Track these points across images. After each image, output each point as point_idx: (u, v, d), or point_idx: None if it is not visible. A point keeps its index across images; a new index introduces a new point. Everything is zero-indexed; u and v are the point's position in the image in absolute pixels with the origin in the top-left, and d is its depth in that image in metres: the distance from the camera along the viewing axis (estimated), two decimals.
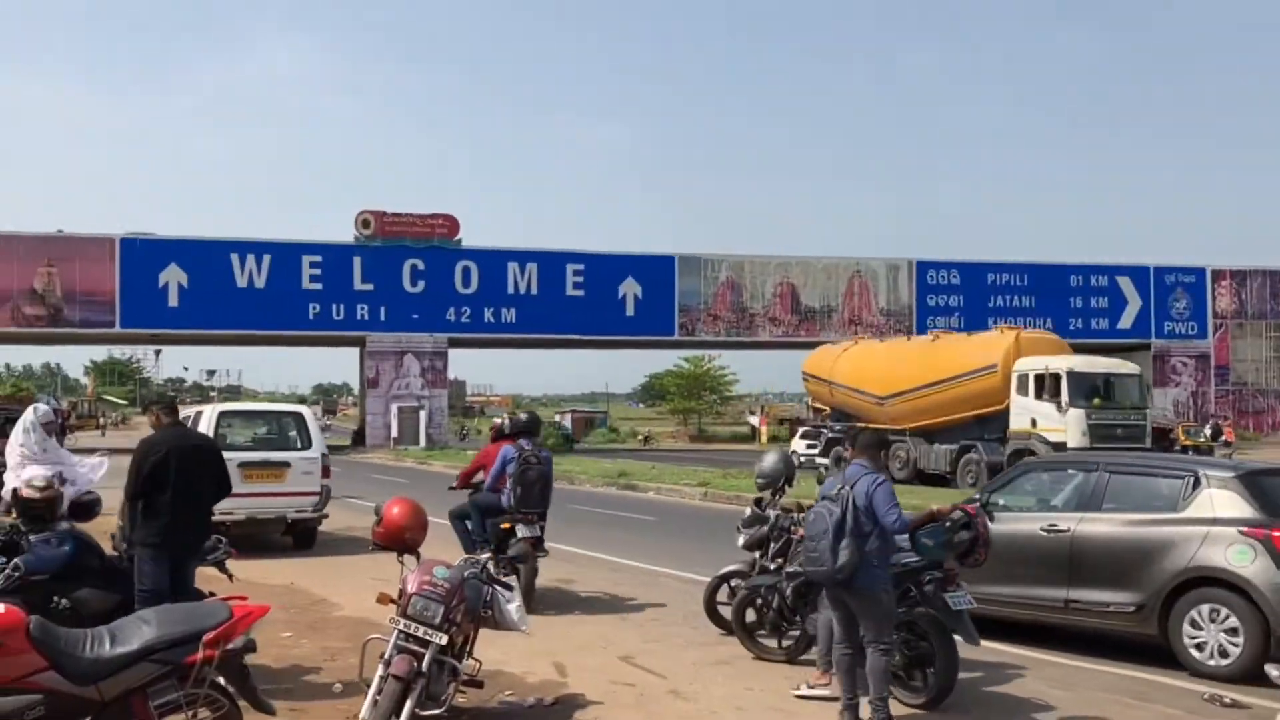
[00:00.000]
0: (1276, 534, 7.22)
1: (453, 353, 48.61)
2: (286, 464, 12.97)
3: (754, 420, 71.96)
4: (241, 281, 44.77)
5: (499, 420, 11.06)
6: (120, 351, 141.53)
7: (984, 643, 7.80)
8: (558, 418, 68.00)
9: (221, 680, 4.56)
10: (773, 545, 7.63)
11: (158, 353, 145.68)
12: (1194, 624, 7.45)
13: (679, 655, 7.96)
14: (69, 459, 7.84)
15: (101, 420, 79.17)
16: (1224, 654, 7.29)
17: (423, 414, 45.50)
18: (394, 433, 45.18)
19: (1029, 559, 8.13)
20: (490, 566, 5.80)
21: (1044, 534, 8.14)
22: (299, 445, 13.25)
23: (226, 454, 12.56)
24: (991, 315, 47.05)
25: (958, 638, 6.46)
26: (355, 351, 50.18)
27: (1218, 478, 7.72)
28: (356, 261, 45.82)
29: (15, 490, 6.47)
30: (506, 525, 9.68)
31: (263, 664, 7.35)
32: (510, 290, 47.16)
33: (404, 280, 46.01)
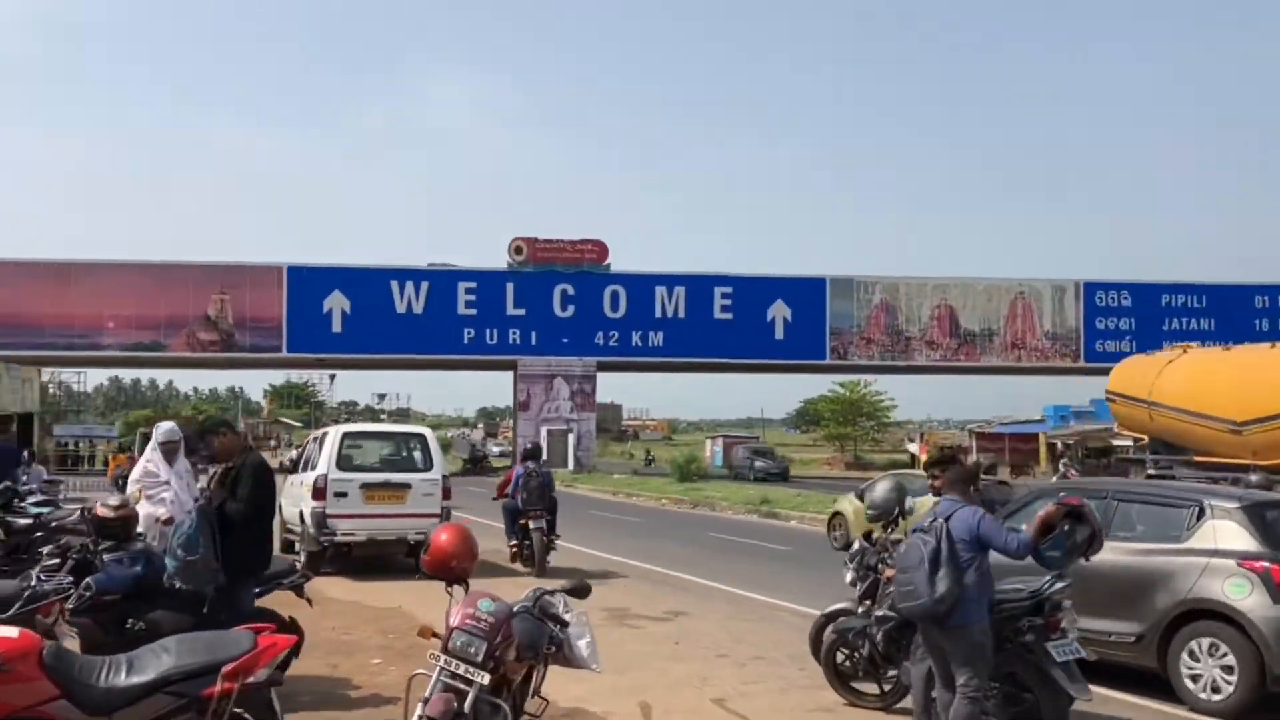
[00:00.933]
0: (1276, 568, 7.04)
1: (609, 377, 48.87)
2: (407, 485, 13.00)
3: (913, 448, 69.70)
4: (400, 308, 46.20)
5: (527, 446, 15.67)
6: (297, 376, 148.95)
7: (1114, 694, 7.05)
8: (709, 443, 67.55)
9: (246, 715, 4.35)
10: (860, 585, 7.03)
11: (332, 377, 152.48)
12: (1191, 656, 7.32)
13: (777, 699, 7.43)
14: (178, 485, 7.88)
15: (274, 442, 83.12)
16: (1218, 689, 7.12)
17: (571, 437, 45.89)
18: (544, 455, 45.51)
19: (1127, 590, 7.82)
20: (547, 600, 5.42)
21: (1132, 566, 7.83)
22: (421, 467, 13.27)
23: (350, 475, 12.94)
24: (1166, 339, 44.17)
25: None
26: (511, 375, 51.01)
27: (1222, 508, 7.59)
28: (509, 287, 46.70)
29: (88, 508, 6.50)
30: (524, 521, 13.77)
31: (345, 691, 7.23)
32: (658, 314, 47.16)
33: (554, 305, 46.61)
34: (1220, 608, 7.16)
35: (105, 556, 6.03)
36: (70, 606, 5.83)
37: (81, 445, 57.83)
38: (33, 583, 5.58)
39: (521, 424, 47.59)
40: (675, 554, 16.68)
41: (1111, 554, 7.44)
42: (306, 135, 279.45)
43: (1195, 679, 7.21)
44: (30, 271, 44.56)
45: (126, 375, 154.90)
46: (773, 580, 13.58)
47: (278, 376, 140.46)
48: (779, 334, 47.61)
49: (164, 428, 8.25)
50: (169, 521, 7.19)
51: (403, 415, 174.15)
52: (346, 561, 13.61)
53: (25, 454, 17.70)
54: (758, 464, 47.71)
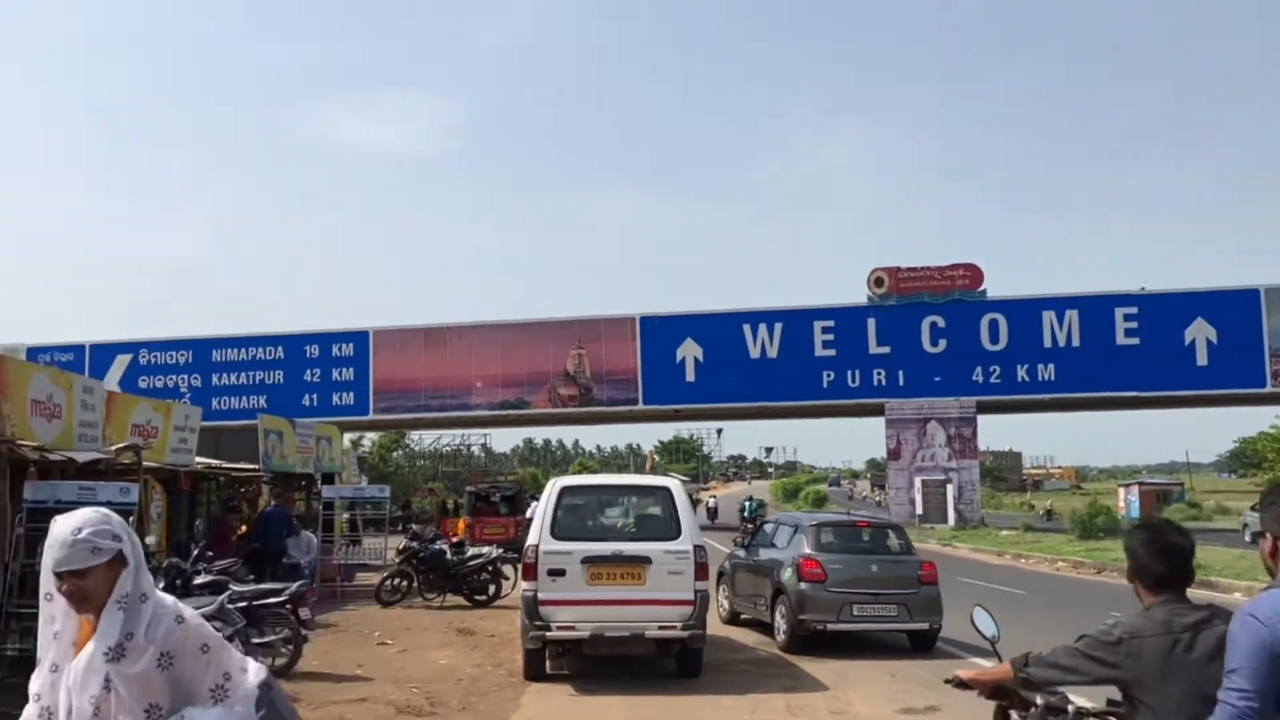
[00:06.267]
0: (800, 562, 11.94)
1: (997, 419, 43.04)
2: (645, 559, 9.51)
3: None
4: (754, 352, 43.34)
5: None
6: (687, 430, 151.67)
7: None
8: (1122, 492, 58.71)
9: None
10: None
11: (719, 431, 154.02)
12: (778, 615, 12.15)
13: None
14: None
15: None
16: (780, 630, 12.13)
17: (950, 488, 40.50)
18: (918, 509, 40.67)
19: (758, 576, 13.22)
20: None
21: (761, 561, 13.32)
22: (665, 534, 9.74)
23: (569, 545, 9.68)
24: None
25: None
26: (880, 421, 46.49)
27: (802, 527, 12.82)
28: (871, 324, 42.44)
29: None
30: None
31: None
32: (1046, 343, 40.78)
33: (923, 340, 41.71)
34: (784, 586, 12.06)
35: None
36: None
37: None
38: None
39: (892, 474, 42.92)
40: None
41: (766, 554, 13.36)
42: (696, 204, 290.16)
43: (778, 627, 12.26)
44: (407, 338, 46.50)
45: (538, 435, 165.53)
46: None
47: (667, 431, 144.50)
48: (1201, 359, 39.55)
49: (58, 534, 2.67)
50: None
51: (790, 468, 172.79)
52: (583, 663, 10.37)
53: (294, 520, 16.23)
54: None
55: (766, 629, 12.70)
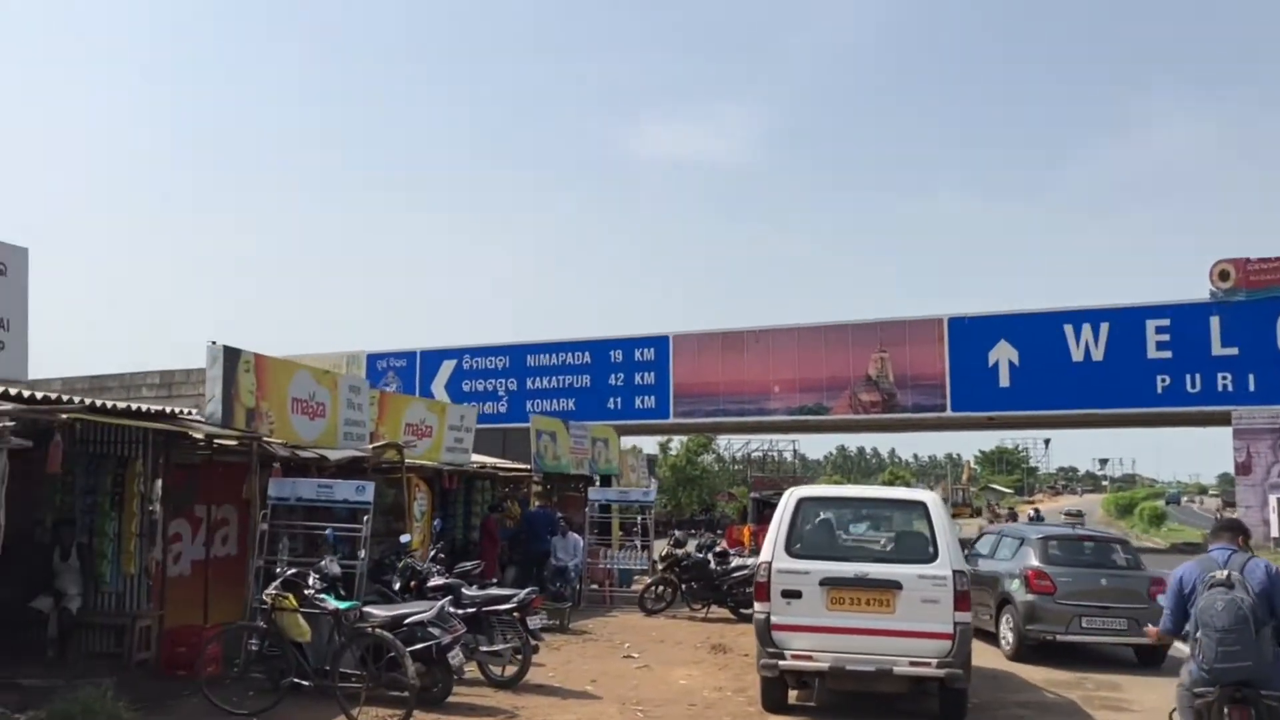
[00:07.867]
0: (1029, 574, 12.42)
1: None
2: (895, 584, 8.27)
3: None
4: (1077, 355, 39.76)
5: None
6: (1010, 440, 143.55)
7: None
8: None
9: None
10: None
11: (1047, 441, 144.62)
12: (1005, 624, 12.71)
13: None
14: None
15: (979, 504, 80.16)
16: (1006, 639, 12.59)
17: None
18: (1274, 531, 35.64)
19: (980, 588, 12.01)
20: None
21: (982, 572, 13.19)
22: (919, 555, 8.44)
23: (806, 564, 8.61)
24: None
25: None
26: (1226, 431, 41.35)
27: (1028, 540, 13.21)
28: (1214, 322, 37.75)
29: None
30: None
31: None
32: None
33: (1279, 339, 36.60)
34: (1010, 596, 12.61)
35: None
36: None
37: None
38: None
39: (1242, 490, 37.89)
40: None
41: (986, 566, 13.56)
42: (1015, 197, 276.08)
43: (1003, 636, 12.78)
44: (706, 342, 46.50)
45: (851, 442, 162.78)
46: None
47: (989, 440, 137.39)
48: None
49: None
50: None
51: (1128, 481, 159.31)
52: (832, 695, 9.26)
53: (560, 520, 16.05)
54: None
55: (989, 638, 12.95)
